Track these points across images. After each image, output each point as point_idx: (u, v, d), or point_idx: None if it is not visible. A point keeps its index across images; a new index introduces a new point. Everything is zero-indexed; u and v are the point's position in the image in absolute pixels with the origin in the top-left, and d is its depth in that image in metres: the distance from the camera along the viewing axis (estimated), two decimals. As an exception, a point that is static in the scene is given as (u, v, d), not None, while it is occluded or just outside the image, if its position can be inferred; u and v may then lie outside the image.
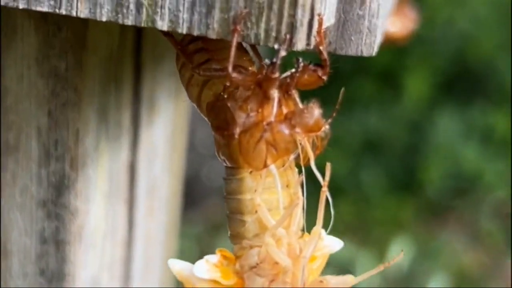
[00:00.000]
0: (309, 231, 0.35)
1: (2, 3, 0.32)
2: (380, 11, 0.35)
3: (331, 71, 0.33)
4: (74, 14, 0.32)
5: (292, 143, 0.32)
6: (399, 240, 1.60)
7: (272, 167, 0.33)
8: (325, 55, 0.32)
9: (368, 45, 0.35)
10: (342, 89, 0.33)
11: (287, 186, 0.33)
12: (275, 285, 0.32)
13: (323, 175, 0.33)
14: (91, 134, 0.44)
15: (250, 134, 0.32)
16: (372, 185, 1.86)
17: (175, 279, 0.36)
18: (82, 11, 0.32)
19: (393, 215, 1.81)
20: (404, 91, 1.93)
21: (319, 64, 0.33)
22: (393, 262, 0.33)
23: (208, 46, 0.35)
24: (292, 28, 0.30)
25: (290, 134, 0.32)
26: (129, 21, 0.31)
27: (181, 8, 0.31)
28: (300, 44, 0.31)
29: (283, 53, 0.31)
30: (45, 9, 0.32)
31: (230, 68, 0.31)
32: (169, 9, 0.31)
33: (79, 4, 0.32)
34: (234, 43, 0.31)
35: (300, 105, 0.33)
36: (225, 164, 0.34)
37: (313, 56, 0.33)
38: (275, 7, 0.30)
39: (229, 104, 0.33)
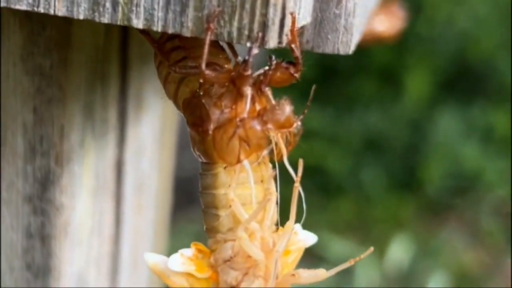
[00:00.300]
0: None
1: (-17, 2, 0.33)
2: (356, 10, 0.36)
3: (303, 68, 0.34)
4: (52, 12, 0.32)
5: (265, 139, 0.33)
6: (399, 239, 1.61)
7: (246, 162, 0.33)
8: (298, 53, 0.33)
9: (345, 43, 0.36)
10: (313, 86, 0.33)
11: (261, 181, 0.34)
12: (248, 278, 0.33)
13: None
14: (76, 131, 0.44)
15: (224, 130, 0.33)
16: (372, 184, 1.87)
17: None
18: (60, 9, 0.32)
19: (393, 214, 1.82)
20: (405, 90, 1.93)
21: (292, 62, 0.33)
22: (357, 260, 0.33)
23: (184, 44, 0.35)
24: (264, 26, 0.31)
25: (262, 130, 0.33)
26: (106, 19, 0.32)
27: (156, 6, 0.32)
28: (272, 42, 0.31)
29: (255, 51, 0.31)
30: (23, 7, 0.33)
31: (203, 66, 0.32)
32: (144, 7, 0.32)
33: (56, 2, 0.32)
34: (208, 41, 0.31)
35: (273, 102, 0.34)
36: (200, 160, 0.35)
37: (287, 53, 0.34)
38: (248, 6, 0.31)
39: (204, 101, 0.33)
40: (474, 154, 1.87)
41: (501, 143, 1.90)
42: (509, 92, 1.89)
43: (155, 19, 0.32)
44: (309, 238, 0.36)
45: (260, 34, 0.31)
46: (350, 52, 0.36)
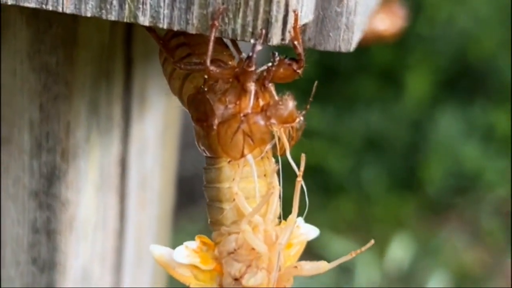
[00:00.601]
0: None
1: (-9, 0, 0.34)
2: (358, 9, 0.36)
3: (306, 65, 0.34)
4: (60, 10, 0.33)
5: (268, 133, 0.34)
6: (400, 238, 1.61)
7: (249, 156, 0.34)
8: (300, 49, 0.33)
9: (346, 41, 0.36)
10: (315, 82, 0.34)
11: (264, 175, 0.35)
12: (252, 270, 0.34)
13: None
14: (82, 127, 0.45)
15: (228, 125, 0.33)
16: (373, 183, 1.87)
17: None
18: (68, 7, 0.33)
19: (393, 213, 1.82)
20: (405, 90, 1.94)
21: (295, 58, 0.34)
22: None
23: (189, 41, 0.36)
24: (268, 23, 0.32)
25: (265, 125, 0.33)
26: (112, 17, 0.33)
27: (161, 4, 0.32)
28: (275, 39, 0.32)
29: (259, 47, 0.32)
30: (32, 5, 0.33)
31: (208, 62, 0.33)
32: (151, 5, 0.33)
33: (64, 0, 0.33)
34: (212, 38, 0.32)
35: (276, 98, 0.34)
36: (205, 154, 0.35)
37: (291, 51, 0.35)
38: (251, 3, 0.32)
39: (208, 97, 0.34)
40: (475, 154, 1.88)
41: (502, 143, 1.91)
42: (510, 91, 1.89)
43: (161, 17, 0.33)
44: (311, 232, 0.37)
45: (263, 31, 0.32)
46: (351, 49, 0.37)
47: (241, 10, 0.32)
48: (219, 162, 0.35)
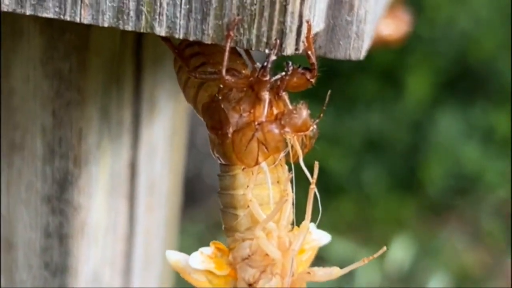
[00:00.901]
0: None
1: (10, 9, 0.34)
2: (367, 17, 0.37)
3: (319, 74, 0.35)
4: (77, 20, 0.34)
5: (282, 141, 0.34)
6: (400, 239, 1.62)
7: (263, 164, 0.35)
8: (313, 59, 0.34)
9: (356, 49, 0.37)
10: (329, 91, 0.35)
11: (277, 182, 0.35)
12: (266, 275, 0.34)
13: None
14: (93, 133, 0.45)
15: (243, 133, 0.34)
16: (373, 184, 1.88)
17: (175, 273, 0.38)
18: (86, 18, 0.34)
19: (394, 214, 1.83)
20: (406, 91, 1.94)
21: (308, 67, 0.35)
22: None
23: (203, 50, 0.37)
24: (282, 34, 0.32)
25: (280, 134, 0.34)
26: (130, 27, 0.33)
27: (178, 15, 0.33)
28: (289, 49, 0.33)
29: (273, 57, 0.32)
30: (50, 15, 0.34)
31: (223, 71, 0.33)
32: (167, 16, 0.33)
33: (82, 11, 0.33)
34: (228, 48, 0.32)
35: (290, 106, 0.35)
36: (219, 162, 0.36)
37: (303, 60, 0.35)
38: (266, 14, 0.32)
39: (223, 105, 0.34)
40: (475, 155, 1.88)
41: (502, 144, 1.91)
42: (510, 93, 1.90)
43: (177, 27, 0.33)
44: (323, 238, 0.38)
45: (278, 41, 0.32)
46: (361, 57, 0.37)
47: (256, 20, 0.32)
48: (234, 169, 0.35)
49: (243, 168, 0.35)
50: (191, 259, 0.35)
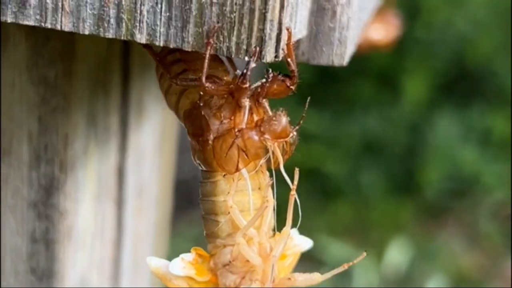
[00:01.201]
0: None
1: (-9, 17, 0.34)
2: (350, 24, 0.37)
3: (299, 81, 0.35)
4: (58, 28, 0.34)
5: (262, 148, 0.34)
6: (398, 242, 1.62)
7: (244, 170, 0.35)
8: (293, 66, 0.34)
9: (339, 55, 0.37)
10: (308, 98, 0.35)
11: (258, 188, 0.36)
12: (246, 281, 0.34)
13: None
14: (80, 138, 0.46)
15: (223, 140, 0.34)
16: (370, 187, 1.87)
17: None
18: (66, 25, 0.34)
19: (391, 217, 1.83)
20: (403, 94, 1.94)
21: (288, 75, 0.35)
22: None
23: (185, 57, 0.37)
24: (262, 41, 0.33)
25: (260, 140, 0.34)
26: (110, 35, 0.33)
27: (158, 22, 0.33)
28: (269, 56, 0.33)
29: (253, 64, 0.33)
30: (31, 23, 0.34)
31: (203, 78, 0.33)
32: (147, 23, 0.33)
33: (63, 18, 0.34)
34: (208, 55, 0.33)
35: (270, 113, 0.35)
36: (200, 168, 0.36)
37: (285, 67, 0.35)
38: (246, 22, 0.32)
39: (204, 112, 0.35)
40: (473, 157, 1.88)
41: (500, 146, 1.91)
42: (508, 95, 1.90)
43: (157, 34, 0.33)
44: (305, 243, 0.38)
45: (257, 49, 0.32)
46: (345, 64, 0.38)
47: (236, 28, 0.32)
48: (215, 176, 0.35)
49: (224, 175, 0.35)
50: (171, 266, 0.35)
